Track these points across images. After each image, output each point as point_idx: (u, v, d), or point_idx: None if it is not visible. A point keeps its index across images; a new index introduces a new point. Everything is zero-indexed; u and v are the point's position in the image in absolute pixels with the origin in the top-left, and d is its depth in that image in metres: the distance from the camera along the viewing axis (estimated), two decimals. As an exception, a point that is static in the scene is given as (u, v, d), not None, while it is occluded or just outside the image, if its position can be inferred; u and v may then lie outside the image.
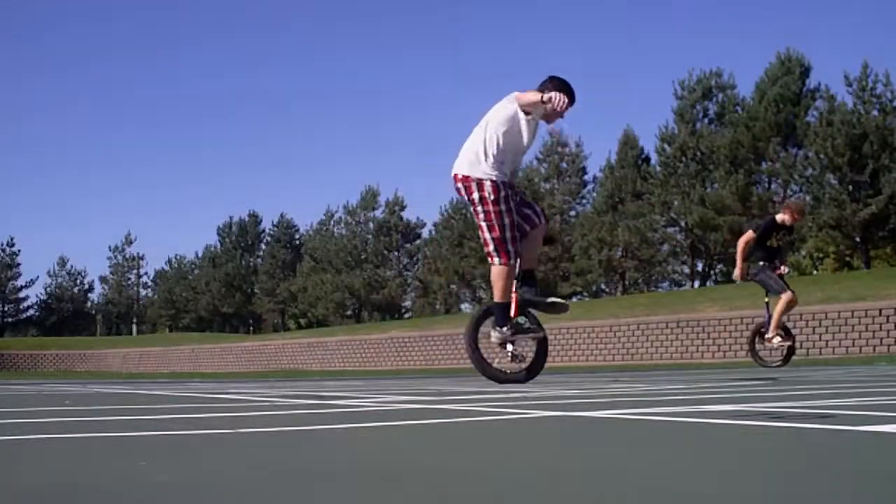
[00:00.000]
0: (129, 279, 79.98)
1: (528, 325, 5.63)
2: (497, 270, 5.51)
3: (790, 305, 10.08)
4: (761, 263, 10.24)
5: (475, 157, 5.52)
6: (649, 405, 4.09)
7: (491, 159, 5.49)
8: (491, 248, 5.53)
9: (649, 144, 47.79)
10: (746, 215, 38.60)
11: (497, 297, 5.55)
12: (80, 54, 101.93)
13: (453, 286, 55.28)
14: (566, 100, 5.23)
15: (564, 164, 50.38)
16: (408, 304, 62.50)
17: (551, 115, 5.44)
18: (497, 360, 5.67)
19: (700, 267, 46.91)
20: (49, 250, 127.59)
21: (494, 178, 5.46)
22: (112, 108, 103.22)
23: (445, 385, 7.62)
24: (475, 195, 5.52)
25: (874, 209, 34.83)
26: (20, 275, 74.99)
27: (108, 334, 75.78)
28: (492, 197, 5.46)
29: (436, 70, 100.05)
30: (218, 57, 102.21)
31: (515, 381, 5.70)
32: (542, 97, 5.27)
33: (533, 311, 5.70)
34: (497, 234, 5.50)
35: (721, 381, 7.21)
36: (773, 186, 40.48)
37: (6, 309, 75.65)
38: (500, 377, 5.65)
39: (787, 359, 10.49)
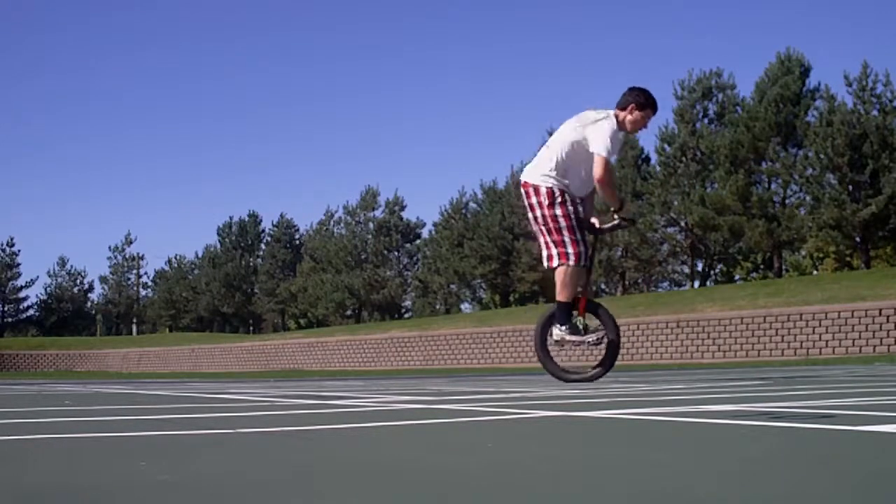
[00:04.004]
0: (129, 279, 79.98)
1: (591, 326, 5.84)
2: (561, 271, 5.79)
3: None
4: None
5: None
6: (649, 405, 4.09)
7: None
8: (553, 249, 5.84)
9: (649, 144, 47.76)
10: (746, 215, 38.62)
11: (559, 297, 5.83)
12: (80, 54, 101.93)
13: (453, 286, 55.27)
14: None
15: (564, 164, 50.31)
16: (408, 304, 62.48)
17: (635, 129, 5.90)
18: (566, 359, 5.91)
19: (700, 267, 46.91)
20: (49, 250, 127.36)
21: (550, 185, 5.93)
22: (112, 108, 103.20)
23: (445, 385, 7.62)
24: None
25: (874, 209, 34.82)
26: (20, 275, 74.89)
27: (108, 334, 75.69)
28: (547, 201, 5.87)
29: (436, 70, 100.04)
30: (218, 57, 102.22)
31: (581, 380, 5.88)
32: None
33: (600, 312, 5.94)
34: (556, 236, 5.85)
35: (721, 381, 7.21)
36: (773, 186, 40.48)
37: (6, 309, 75.61)
38: (566, 377, 5.83)
39: None
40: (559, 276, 5.89)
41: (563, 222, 5.84)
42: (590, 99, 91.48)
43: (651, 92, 6.14)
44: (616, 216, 5.88)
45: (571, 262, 5.78)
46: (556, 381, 8.13)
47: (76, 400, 5.71)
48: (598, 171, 5.79)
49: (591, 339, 5.85)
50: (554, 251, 5.85)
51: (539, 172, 6.02)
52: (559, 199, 5.88)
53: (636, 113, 6.00)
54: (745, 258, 48.85)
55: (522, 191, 6.09)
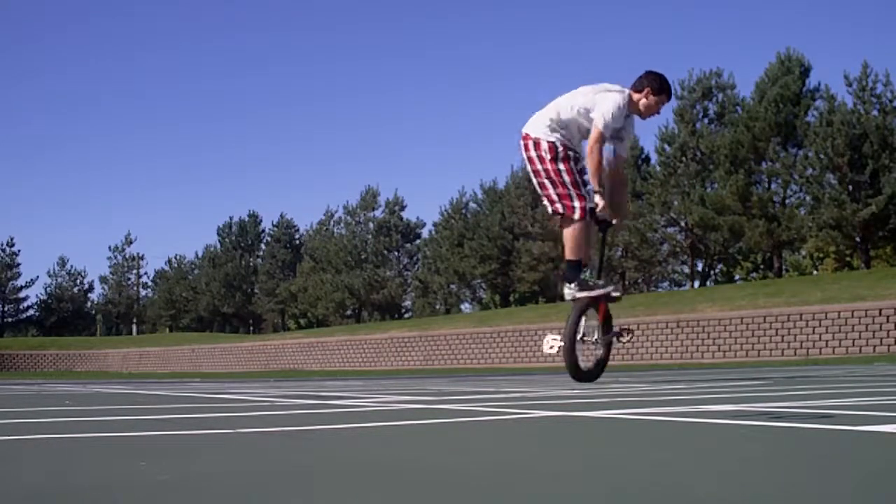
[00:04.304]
0: (129, 279, 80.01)
1: (594, 281, 5.80)
2: (568, 227, 5.73)
3: None
4: None
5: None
6: (649, 405, 4.08)
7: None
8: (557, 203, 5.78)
9: (649, 144, 47.83)
10: (746, 215, 38.60)
11: (568, 255, 5.77)
12: (80, 54, 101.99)
13: (453, 286, 55.26)
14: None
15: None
16: (408, 304, 62.49)
17: (648, 114, 5.83)
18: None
19: (700, 267, 46.90)
20: (49, 250, 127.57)
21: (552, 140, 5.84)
22: (112, 108, 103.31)
23: (445, 385, 7.62)
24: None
25: (874, 209, 34.82)
26: (20, 275, 74.97)
27: (108, 334, 75.75)
28: (549, 155, 5.79)
29: (436, 70, 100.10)
30: (218, 57, 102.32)
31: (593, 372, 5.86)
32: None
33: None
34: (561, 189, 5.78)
35: (721, 381, 7.21)
36: (773, 186, 40.47)
37: (6, 309, 75.60)
38: (582, 377, 5.79)
39: None
40: (567, 232, 5.83)
41: (566, 177, 5.77)
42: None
43: (667, 78, 6.03)
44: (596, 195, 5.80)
45: (577, 216, 5.70)
46: (556, 381, 8.13)
47: (76, 400, 5.70)
48: (591, 139, 5.73)
49: (601, 292, 5.77)
50: (559, 204, 5.78)
51: (543, 125, 5.95)
52: (562, 154, 5.81)
53: (651, 97, 5.92)
54: (745, 258, 48.81)
55: (521, 142, 5.98)
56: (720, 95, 42.80)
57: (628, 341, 6.03)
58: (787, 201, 39.82)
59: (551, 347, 5.61)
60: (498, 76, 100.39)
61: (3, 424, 3.60)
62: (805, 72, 39.78)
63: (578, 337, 5.66)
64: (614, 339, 5.87)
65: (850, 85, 37.24)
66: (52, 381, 13.85)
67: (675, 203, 42.17)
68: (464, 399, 5.09)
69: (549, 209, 5.86)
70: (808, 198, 38.24)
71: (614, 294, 5.82)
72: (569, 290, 5.80)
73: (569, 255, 5.83)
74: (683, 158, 41.54)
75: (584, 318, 5.73)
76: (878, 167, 35.45)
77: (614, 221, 5.97)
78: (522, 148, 5.96)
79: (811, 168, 37.42)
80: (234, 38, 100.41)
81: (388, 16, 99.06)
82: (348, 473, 2.00)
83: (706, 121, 42.84)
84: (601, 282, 5.88)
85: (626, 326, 6.00)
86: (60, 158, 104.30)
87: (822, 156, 36.30)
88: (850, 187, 36.32)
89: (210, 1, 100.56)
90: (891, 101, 36.34)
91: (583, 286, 5.75)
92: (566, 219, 5.73)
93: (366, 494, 1.71)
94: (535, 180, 5.93)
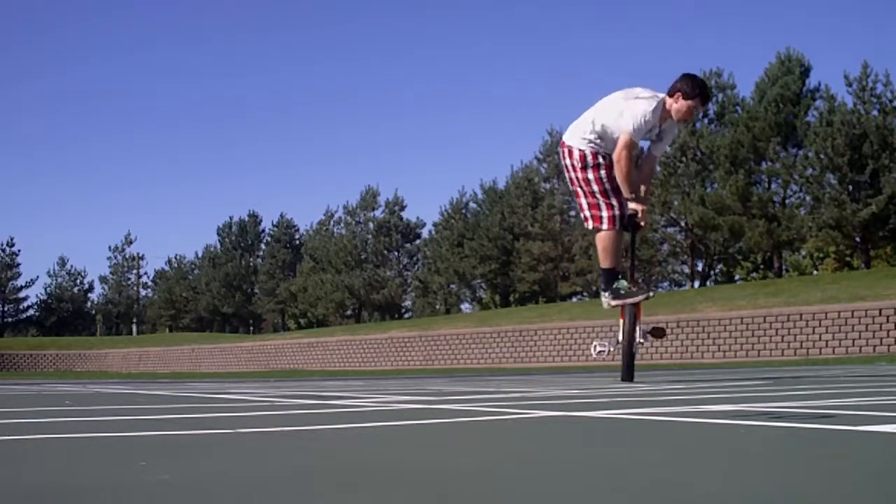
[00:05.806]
0: (129, 279, 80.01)
1: (628, 289, 5.91)
2: (599, 237, 5.84)
3: None
4: None
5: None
6: (649, 405, 4.08)
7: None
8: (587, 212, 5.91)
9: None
10: (746, 215, 38.58)
11: (601, 263, 5.89)
12: (80, 54, 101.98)
13: (453, 286, 55.24)
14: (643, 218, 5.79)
15: (564, 164, 50.19)
16: (408, 304, 62.48)
17: (680, 118, 5.88)
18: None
19: (700, 267, 46.88)
20: (49, 250, 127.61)
21: (582, 148, 5.90)
22: (112, 107, 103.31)
23: (445, 385, 7.61)
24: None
25: (874, 209, 34.80)
26: (20, 275, 74.94)
27: (108, 334, 75.74)
28: (580, 164, 5.88)
29: (436, 70, 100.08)
30: (218, 57, 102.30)
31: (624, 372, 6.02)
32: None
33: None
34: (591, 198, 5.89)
35: (721, 381, 7.21)
36: (773, 186, 40.46)
37: (6, 309, 75.58)
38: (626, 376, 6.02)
39: None
40: (598, 242, 5.94)
41: (595, 186, 5.82)
42: (589, 98, 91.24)
43: (702, 81, 6.03)
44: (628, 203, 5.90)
45: (605, 226, 5.78)
46: (556, 382, 8.13)
47: (76, 400, 5.70)
48: (618, 146, 5.76)
49: (633, 300, 5.86)
50: (588, 213, 5.86)
51: (577, 134, 6.01)
52: (591, 163, 5.85)
53: (682, 102, 5.93)
54: (745, 258, 48.80)
55: (559, 150, 6.14)
56: (720, 95, 42.79)
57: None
58: (787, 201, 39.80)
59: (599, 353, 5.88)
60: (497, 76, 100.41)
61: (3, 424, 3.60)
62: (805, 72, 39.77)
63: (636, 340, 5.88)
64: (647, 338, 6.07)
65: (850, 85, 37.22)
66: (52, 381, 13.85)
67: (675, 203, 42.16)
68: (464, 399, 5.09)
69: (585, 224, 6.08)
70: (808, 198, 38.23)
71: (649, 295, 6.01)
72: (604, 299, 6.00)
73: (601, 263, 6.00)
74: (683, 158, 41.52)
75: (637, 322, 5.89)
76: (878, 167, 35.43)
77: (642, 224, 6.02)
78: (560, 155, 6.13)
79: (811, 168, 37.40)
80: (234, 38, 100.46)
81: (388, 15, 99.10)
82: (348, 473, 1.99)
83: (706, 121, 42.84)
84: (634, 288, 5.98)
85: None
86: (60, 158, 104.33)
87: (822, 156, 36.28)
88: (850, 187, 36.31)
89: (210, 1, 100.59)
90: (891, 101, 36.33)
91: (616, 295, 5.87)
92: (596, 228, 5.85)
93: (365, 494, 1.71)
94: (570, 188, 6.09)
